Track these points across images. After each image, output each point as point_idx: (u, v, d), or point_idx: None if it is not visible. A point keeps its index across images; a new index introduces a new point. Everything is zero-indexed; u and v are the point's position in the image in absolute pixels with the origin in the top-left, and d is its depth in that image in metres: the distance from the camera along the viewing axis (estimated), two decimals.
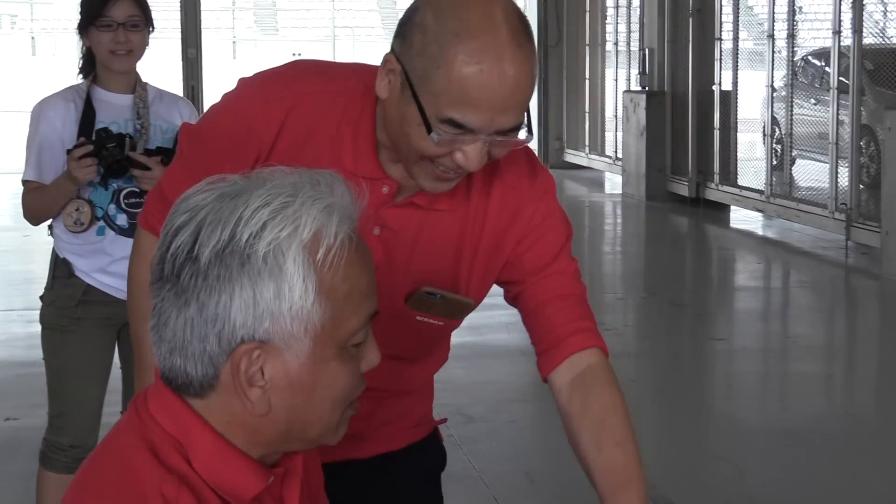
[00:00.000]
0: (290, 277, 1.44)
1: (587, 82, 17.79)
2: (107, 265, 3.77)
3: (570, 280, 2.18)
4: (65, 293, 3.79)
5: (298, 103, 2.05)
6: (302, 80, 2.10)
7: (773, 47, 12.70)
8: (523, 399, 6.54)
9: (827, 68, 12.25)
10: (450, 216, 2.11)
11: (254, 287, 1.43)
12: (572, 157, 18.10)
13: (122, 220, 3.77)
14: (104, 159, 3.65)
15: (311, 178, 1.49)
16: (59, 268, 3.81)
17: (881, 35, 12.16)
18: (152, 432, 1.49)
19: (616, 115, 16.33)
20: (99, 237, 3.76)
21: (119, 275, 3.51)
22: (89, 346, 3.81)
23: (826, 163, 11.76)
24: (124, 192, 3.77)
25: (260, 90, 2.12)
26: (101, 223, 3.76)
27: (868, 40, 11.39)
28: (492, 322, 8.24)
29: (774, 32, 12.62)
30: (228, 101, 2.15)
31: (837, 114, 11.48)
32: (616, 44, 16.75)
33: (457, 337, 7.94)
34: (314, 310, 1.45)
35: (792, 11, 12.36)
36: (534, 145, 17.09)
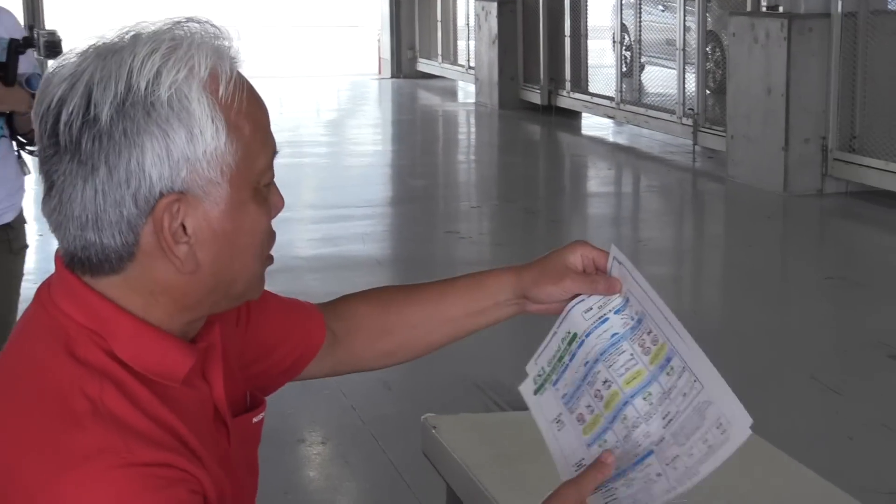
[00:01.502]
0: (198, 119, 1.38)
1: None
2: None
3: None
4: None
5: None
6: None
7: None
8: None
9: None
10: None
11: (165, 135, 1.37)
12: (425, 66, 18.05)
13: None
14: None
15: (188, 23, 1.43)
16: None
17: None
18: (65, 327, 1.42)
19: (468, 24, 16.31)
20: None
21: None
22: None
23: (674, 69, 11.92)
24: None
25: None
26: None
27: None
28: (347, 233, 8.26)
29: None
30: None
31: (684, 20, 11.62)
32: None
33: (312, 249, 7.95)
34: (227, 150, 1.40)
35: None
36: (386, 55, 16.96)
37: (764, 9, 9.48)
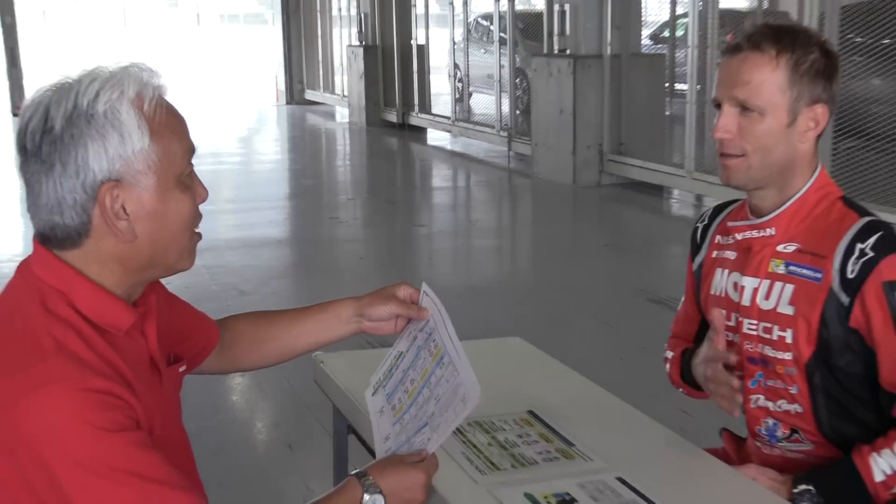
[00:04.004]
0: (127, 126, 1.38)
1: (320, 39, 17.58)
2: None
3: None
4: None
5: None
6: None
7: (453, 12, 12.80)
8: (283, 276, 6.53)
9: (491, 27, 12.44)
10: None
11: (102, 137, 1.37)
12: (311, 95, 17.91)
13: None
14: None
15: (127, 65, 1.45)
16: None
17: (527, 2, 12.39)
18: (40, 288, 1.41)
19: (342, 64, 16.18)
20: None
21: None
22: None
23: (493, 95, 12.03)
24: None
25: None
26: None
27: (519, 6, 11.62)
28: (257, 220, 8.18)
29: (453, 0, 12.70)
30: None
31: (500, 60, 11.72)
32: (340, 10, 16.56)
33: (231, 233, 7.79)
34: (150, 149, 1.40)
35: None
36: (282, 87, 16.68)
37: (556, 52, 9.60)
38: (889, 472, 1.80)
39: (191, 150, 1.48)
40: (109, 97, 1.38)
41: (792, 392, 1.92)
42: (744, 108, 1.86)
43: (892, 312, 1.79)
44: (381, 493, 1.56)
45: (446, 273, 6.79)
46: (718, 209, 2.13)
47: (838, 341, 1.85)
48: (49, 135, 1.37)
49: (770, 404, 1.96)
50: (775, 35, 1.86)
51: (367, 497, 1.55)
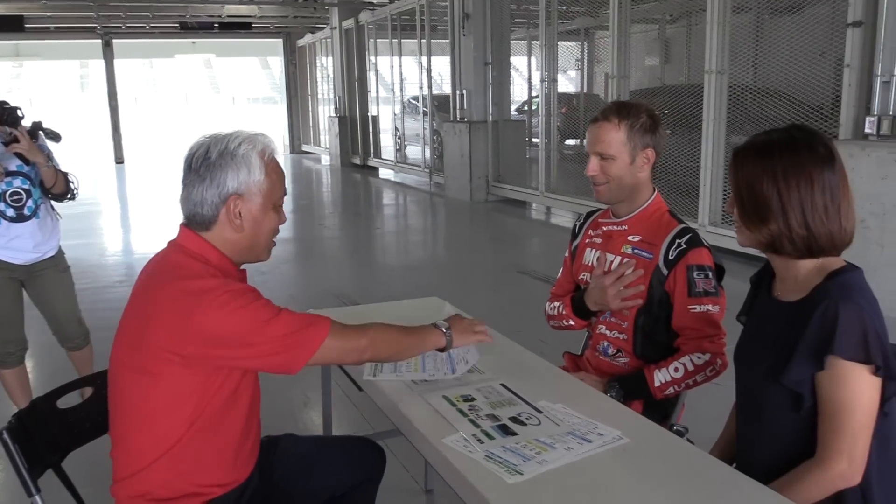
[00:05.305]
0: (254, 165, 1.44)
1: (311, 112, 17.25)
2: (4, 243, 2.67)
3: None
4: None
5: None
6: None
7: (394, 95, 12.67)
8: (288, 262, 6.37)
9: (418, 104, 12.36)
10: None
11: (238, 168, 1.43)
12: (306, 147, 17.59)
13: (10, 212, 2.66)
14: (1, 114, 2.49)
15: (258, 132, 1.48)
16: None
17: (440, 88, 12.36)
18: (183, 251, 1.45)
19: (325, 127, 15.92)
20: None
21: (12, 248, 2.68)
22: (5, 292, 2.71)
23: (419, 146, 11.96)
24: (8, 193, 2.65)
25: None
26: None
27: (435, 91, 11.56)
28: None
29: (394, 87, 12.56)
30: None
31: (423, 125, 11.65)
32: (323, 94, 16.27)
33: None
34: (263, 181, 1.45)
35: (401, 77, 12.30)
36: (287, 142, 16.36)
37: (458, 119, 9.58)
38: (663, 381, 1.84)
39: (284, 192, 1.52)
40: (247, 147, 1.44)
41: (623, 326, 1.95)
42: (602, 157, 1.88)
43: (688, 283, 1.83)
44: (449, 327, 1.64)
45: (392, 257, 6.68)
46: (589, 214, 2.13)
47: (657, 298, 1.88)
48: (207, 161, 1.42)
49: (608, 333, 1.98)
50: (617, 109, 1.88)
51: (439, 324, 1.64)
